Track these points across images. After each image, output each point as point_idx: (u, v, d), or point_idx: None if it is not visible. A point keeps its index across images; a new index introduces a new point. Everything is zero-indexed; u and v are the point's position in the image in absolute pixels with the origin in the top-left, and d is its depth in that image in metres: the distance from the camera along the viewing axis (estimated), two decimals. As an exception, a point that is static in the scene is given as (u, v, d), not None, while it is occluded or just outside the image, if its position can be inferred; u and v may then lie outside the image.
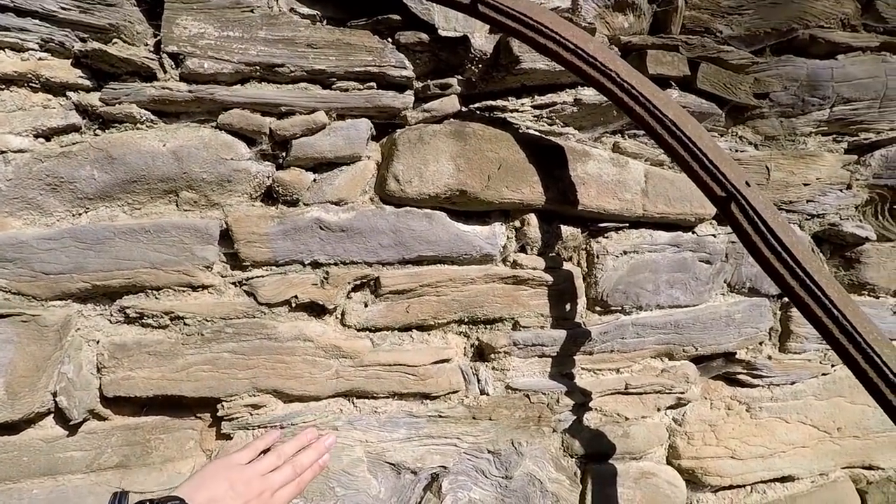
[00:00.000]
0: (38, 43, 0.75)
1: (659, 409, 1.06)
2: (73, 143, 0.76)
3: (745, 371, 1.14)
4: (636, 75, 0.83)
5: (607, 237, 1.01)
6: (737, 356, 1.13)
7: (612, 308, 1.02)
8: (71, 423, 0.78)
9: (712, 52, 1.05)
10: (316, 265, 0.86)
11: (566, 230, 0.98)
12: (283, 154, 0.84)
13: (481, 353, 0.96)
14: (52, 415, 0.80)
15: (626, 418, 1.03)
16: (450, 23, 0.92)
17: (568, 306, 0.99)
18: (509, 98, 0.97)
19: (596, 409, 1.01)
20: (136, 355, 0.79)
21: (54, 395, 0.77)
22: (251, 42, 0.80)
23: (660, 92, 0.83)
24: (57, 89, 0.77)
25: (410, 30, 0.86)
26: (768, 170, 1.13)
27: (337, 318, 0.89)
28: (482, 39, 0.92)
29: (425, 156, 0.86)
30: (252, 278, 0.82)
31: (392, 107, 0.87)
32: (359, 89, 0.86)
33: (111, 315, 0.81)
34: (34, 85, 0.76)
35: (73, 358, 0.77)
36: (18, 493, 0.78)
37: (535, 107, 0.97)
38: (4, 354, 0.73)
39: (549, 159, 0.93)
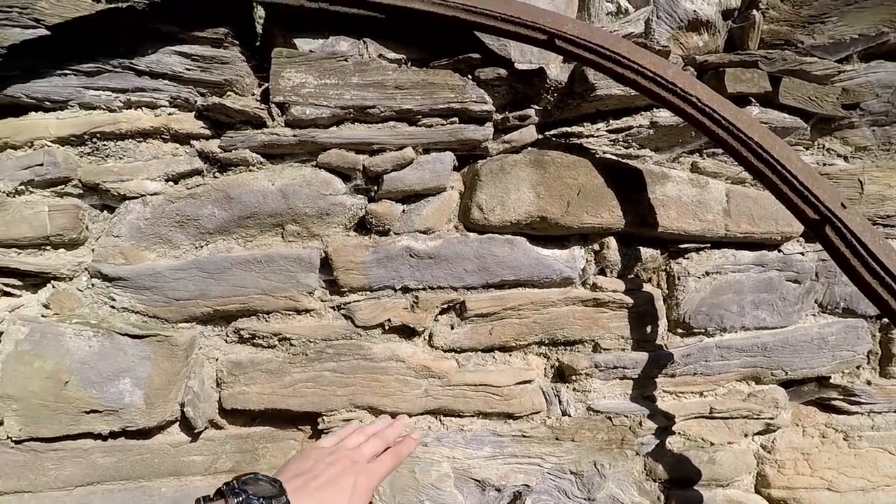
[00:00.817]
0: (167, 100, 0.87)
1: (746, 435, 1.04)
2: (197, 186, 0.86)
3: (841, 397, 1.09)
4: (717, 98, 0.83)
5: (688, 258, 1.00)
6: (831, 381, 1.08)
7: (695, 330, 1.01)
8: (195, 430, 0.88)
9: (794, 65, 1.03)
10: (406, 290, 0.92)
11: (646, 252, 0.98)
12: (375, 188, 0.91)
13: (562, 374, 0.98)
14: (178, 423, 0.90)
15: (712, 443, 1.01)
16: (525, 56, 0.97)
17: (649, 328, 0.99)
18: (584, 124, 1.00)
19: (679, 434, 1.00)
20: (250, 372, 0.87)
21: (182, 405, 0.86)
22: (345, 88, 0.87)
23: (743, 114, 0.83)
24: (183, 139, 0.87)
25: (489, 66, 0.91)
26: (861, 183, 1.08)
27: (425, 339, 0.94)
28: (557, 70, 0.95)
29: (507, 185, 0.90)
30: (349, 303, 0.89)
31: (473, 139, 0.92)
32: (442, 124, 0.91)
33: (227, 335, 0.90)
34: (165, 136, 0.87)
35: (197, 374, 0.87)
36: (150, 490, 0.89)
37: (610, 131, 0.99)
38: (144, 370, 0.84)
39: (627, 182, 0.94)
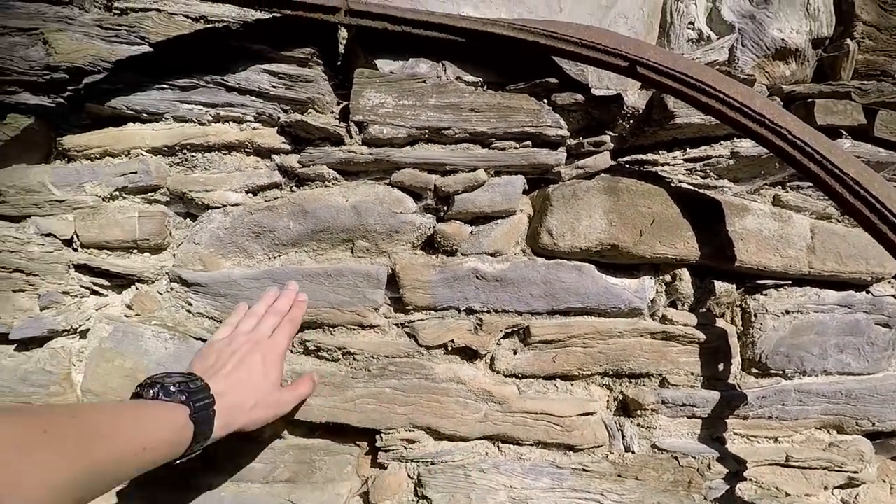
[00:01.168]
0: (253, 115, 0.90)
1: (826, 488, 0.96)
2: (275, 198, 0.89)
3: (936, 454, 1.00)
4: (809, 131, 0.80)
5: (766, 295, 0.95)
6: (925, 436, 0.99)
7: (772, 371, 0.95)
8: (259, 438, 0.89)
9: (891, 97, 0.97)
10: (470, 312, 0.91)
11: (720, 286, 0.94)
12: (445, 208, 0.91)
13: (626, 408, 0.95)
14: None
15: (787, 494, 0.94)
16: (602, 81, 0.96)
17: (721, 366, 0.94)
18: (660, 151, 0.97)
19: (751, 480, 0.94)
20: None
21: (247, 414, 0.88)
22: (422, 109, 0.88)
23: (837, 147, 0.79)
24: (265, 153, 0.91)
25: (566, 91, 0.91)
26: (963, 225, 1.00)
27: (486, 363, 0.93)
28: (634, 96, 0.94)
29: (578, 211, 0.88)
30: (413, 321, 0.89)
31: (546, 163, 0.91)
32: (515, 148, 0.91)
33: (293, 346, 0.91)
34: (248, 150, 0.90)
35: (263, 383, 0.89)
36: (210, 495, 0.90)
37: (687, 160, 0.96)
38: (214, 376, 0.86)
39: (704, 214, 0.91)
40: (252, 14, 0.89)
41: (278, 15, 0.87)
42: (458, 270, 0.89)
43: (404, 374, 0.89)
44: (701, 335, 0.93)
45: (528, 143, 0.91)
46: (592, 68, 0.92)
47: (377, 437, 0.90)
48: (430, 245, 0.93)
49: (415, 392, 0.89)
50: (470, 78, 0.91)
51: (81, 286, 0.86)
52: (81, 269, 0.86)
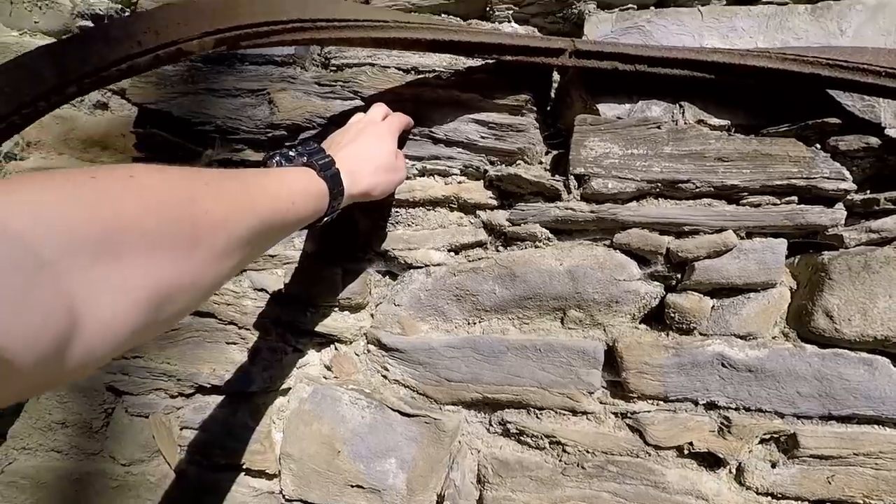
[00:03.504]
0: (459, 168, 0.84)
1: None
2: (479, 259, 0.81)
3: None
4: None
5: None
6: None
7: None
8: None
9: None
10: (712, 407, 0.73)
11: None
12: (679, 276, 0.76)
13: (941, 562, 0.69)
14: (430, 514, 0.82)
15: None
16: (897, 119, 0.74)
17: None
18: (984, 208, 0.72)
19: None
20: (517, 477, 0.77)
21: (440, 498, 0.79)
22: (655, 159, 0.75)
23: None
24: (469, 208, 0.83)
25: (850, 133, 0.71)
26: None
27: (731, 473, 0.74)
28: (949, 137, 0.70)
29: (872, 288, 0.67)
30: (637, 412, 0.74)
31: (817, 224, 0.72)
32: (774, 203, 0.73)
33: (490, 425, 0.81)
34: (452, 205, 0.84)
35: (459, 465, 0.80)
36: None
37: None
38: (409, 452, 0.78)
39: None
40: (463, 62, 0.84)
41: (491, 61, 0.80)
42: (698, 355, 0.73)
43: (627, 477, 0.73)
44: None
45: (793, 198, 0.73)
46: (886, 102, 0.71)
47: (589, 549, 0.75)
48: (654, 319, 0.78)
49: (639, 501, 0.73)
50: (715, 121, 0.76)
51: (285, 343, 0.85)
52: (286, 325, 0.85)
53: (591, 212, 0.76)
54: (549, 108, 0.87)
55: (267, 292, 0.85)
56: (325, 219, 0.60)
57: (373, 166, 0.66)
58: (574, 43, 0.75)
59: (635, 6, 0.83)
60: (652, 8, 0.84)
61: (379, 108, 0.76)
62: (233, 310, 0.85)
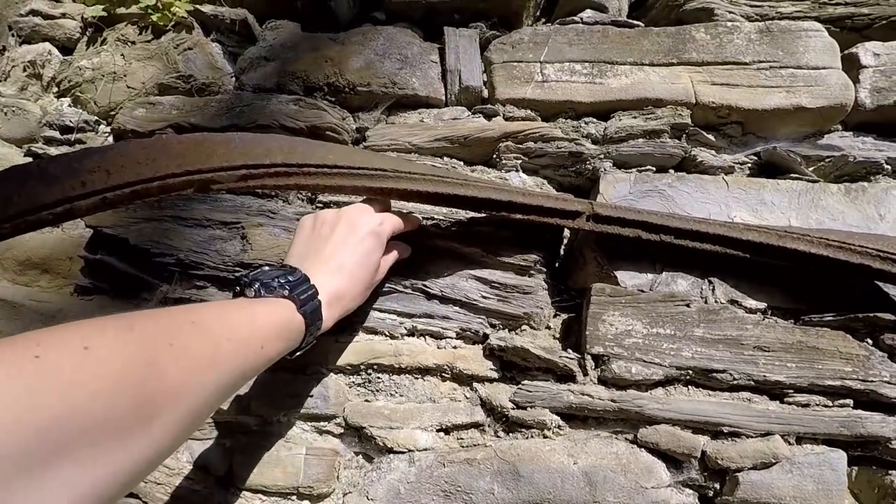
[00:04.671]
0: (455, 331, 0.72)
1: None
2: (475, 446, 0.67)
3: None
4: None
5: None
6: None
7: None
8: None
9: None
10: None
11: None
12: (716, 486, 0.62)
13: None
14: None
15: None
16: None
17: None
18: None
19: None
20: None
21: None
22: (685, 341, 0.64)
23: None
24: (465, 380, 0.71)
25: (906, 330, 0.62)
26: None
27: None
28: None
29: (962, 531, 0.54)
30: None
31: (878, 435, 0.60)
32: (826, 405, 0.62)
33: None
34: (445, 375, 0.71)
35: None
36: None
37: None
38: None
39: None
40: (465, 212, 0.75)
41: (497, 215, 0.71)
42: None
43: None
44: None
45: (847, 400, 0.62)
46: (941, 298, 0.63)
47: None
48: (689, 538, 0.63)
49: None
50: (750, 302, 0.67)
51: (223, 543, 0.66)
52: (229, 517, 0.67)
53: (612, 400, 0.64)
54: (556, 265, 0.78)
55: (209, 472, 0.68)
56: (298, 353, 0.54)
57: (360, 288, 0.59)
58: (592, 206, 0.67)
59: (654, 169, 0.78)
60: (671, 171, 0.78)
61: (370, 207, 0.63)
62: (163, 491, 0.68)
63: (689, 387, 0.66)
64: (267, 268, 0.56)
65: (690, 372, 0.64)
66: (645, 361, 0.64)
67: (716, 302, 0.67)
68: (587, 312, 0.67)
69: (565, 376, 0.67)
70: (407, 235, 0.69)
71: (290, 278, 0.53)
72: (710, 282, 0.68)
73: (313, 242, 0.59)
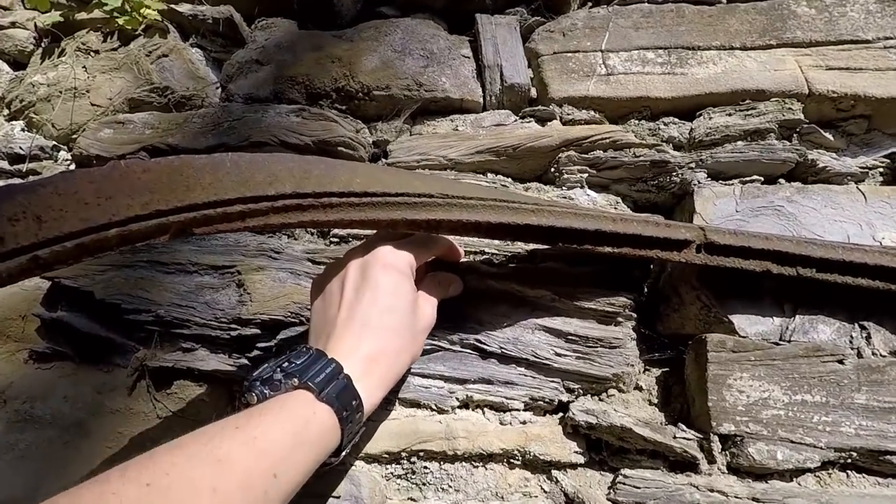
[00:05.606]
0: (523, 401, 0.54)
1: None
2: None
3: None
4: None
5: None
6: None
7: None
8: None
9: None
10: None
11: None
12: None
13: None
14: None
15: None
16: None
17: None
18: None
19: None
20: None
21: None
22: (842, 411, 0.48)
23: None
24: (540, 467, 0.53)
25: None
26: None
27: None
28: None
29: None
30: None
31: None
32: None
33: None
34: (514, 461, 0.53)
35: None
36: None
37: None
38: None
39: None
40: (523, 244, 0.59)
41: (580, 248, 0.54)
42: None
43: None
44: None
45: None
46: None
47: None
48: None
49: None
50: (920, 353, 0.50)
51: None
52: None
53: (754, 499, 0.46)
54: (642, 298, 0.61)
55: None
56: (344, 451, 0.42)
57: (400, 339, 0.45)
58: (705, 233, 0.50)
59: (762, 179, 0.61)
60: (781, 181, 0.61)
61: (378, 237, 0.49)
62: None
63: (848, 472, 0.49)
64: (272, 360, 0.42)
65: (854, 453, 0.47)
66: (792, 442, 0.47)
67: (874, 354, 0.51)
68: (707, 375, 0.50)
69: (681, 463, 0.49)
70: (462, 272, 0.53)
71: (297, 362, 0.41)
72: (862, 327, 0.52)
73: (324, 310, 0.46)
